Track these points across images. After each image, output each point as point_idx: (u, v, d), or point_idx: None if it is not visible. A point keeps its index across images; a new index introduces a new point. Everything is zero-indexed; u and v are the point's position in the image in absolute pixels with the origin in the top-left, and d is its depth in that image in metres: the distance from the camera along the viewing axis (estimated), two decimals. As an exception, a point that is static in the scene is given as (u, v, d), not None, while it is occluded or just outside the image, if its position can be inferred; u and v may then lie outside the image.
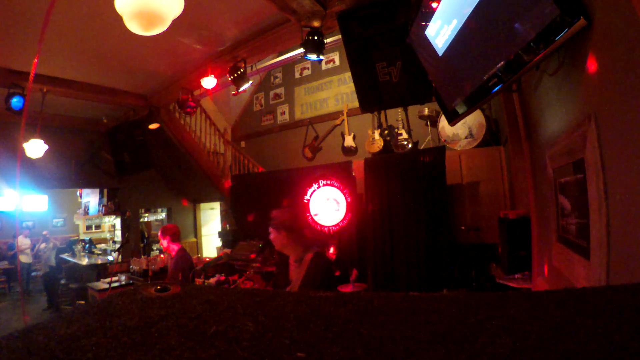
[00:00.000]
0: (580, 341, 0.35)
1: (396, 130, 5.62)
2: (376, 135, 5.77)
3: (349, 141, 6.60)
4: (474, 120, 4.69)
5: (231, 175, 6.77)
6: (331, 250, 4.50)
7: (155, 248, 7.91)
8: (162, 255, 4.94)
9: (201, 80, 4.48)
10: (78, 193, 10.10)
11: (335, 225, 5.21)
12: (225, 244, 6.72)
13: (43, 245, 7.80)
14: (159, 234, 3.64)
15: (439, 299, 0.51)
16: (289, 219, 2.24)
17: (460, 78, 2.28)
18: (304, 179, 5.56)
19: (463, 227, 4.37)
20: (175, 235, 3.66)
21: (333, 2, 3.29)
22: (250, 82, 4.45)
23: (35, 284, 8.42)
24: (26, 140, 5.07)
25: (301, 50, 3.63)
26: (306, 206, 5.44)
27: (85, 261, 7.07)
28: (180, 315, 0.49)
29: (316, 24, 3.44)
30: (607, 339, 0.34)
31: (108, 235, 9.87)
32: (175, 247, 3.61)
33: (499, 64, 1.69)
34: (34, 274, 8.51)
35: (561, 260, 1.86)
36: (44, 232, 8.43)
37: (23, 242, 8.22)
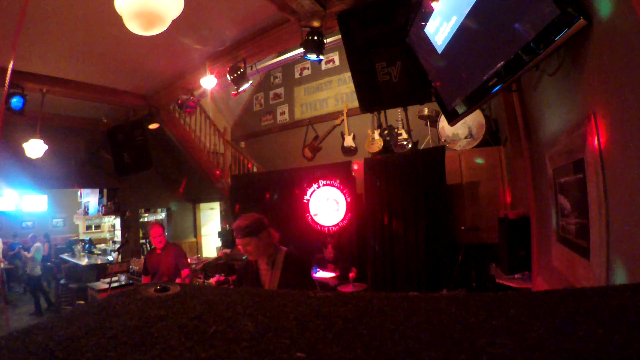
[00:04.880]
0: (580, 341, 0.35)
1: (396, 130, 5.62)
2: (376, 135, 5.77)
3: (348, 141, 6.60)
4: (473, 120, 4.69)
5: (231, 175, 6.77)
6: (328, 249, 4.49)
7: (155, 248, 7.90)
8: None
9: (201, 80, 4.48)
10: (79, 193, 10.10)
11: (335, 225, 5.21)
12: (225, 244, 6.72)
13: (26, 253, 6.96)
14: (157, 229, 3.73)
15: (439, 299, 0.51)
16: (255, 222, 2.04)
17: (459, 78, 2.28)
18: (304, 179, 5.56)
19: (463, 227, 4.37)
20: None
21: (333, 2, 3.29)
22: (250, 82, 4.44)
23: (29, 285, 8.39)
24: (26, 140, 5.07)
25: (301, 50, 3.63)
26: (306, 206, 5.44)
27: (85, 261, 7.07)
28: (180, 315, 0.49)
29: (316, 24, 3.44)
30: (607, 339, 0.34)
31: (108, 235, 9.87)
32: (164, 241, 3.77)
33: (499, 64, 1.69)
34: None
35: (561, 260, 1.86)
36: (30, 235, 7.64)
37: None
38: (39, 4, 3.09)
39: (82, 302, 5.63)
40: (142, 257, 6.24)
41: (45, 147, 5.14)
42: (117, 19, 2.08)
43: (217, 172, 6.91)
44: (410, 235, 4.50)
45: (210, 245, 8.63)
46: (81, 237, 9.72)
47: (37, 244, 6.90)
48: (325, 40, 3.54)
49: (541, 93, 2.04)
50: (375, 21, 3.18)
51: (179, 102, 5.14)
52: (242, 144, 8.52)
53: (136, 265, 5.47)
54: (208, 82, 4.45)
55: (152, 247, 3.85)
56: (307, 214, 5.42)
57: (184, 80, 5.07)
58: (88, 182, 7.57)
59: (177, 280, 3.26)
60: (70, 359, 0.38)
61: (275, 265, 2.04)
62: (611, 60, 1.14)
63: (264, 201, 5.89)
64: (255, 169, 7.33)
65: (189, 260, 3.89)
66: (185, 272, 3.55)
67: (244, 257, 4.97)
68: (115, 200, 7.73)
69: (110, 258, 7.23)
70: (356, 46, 3.36)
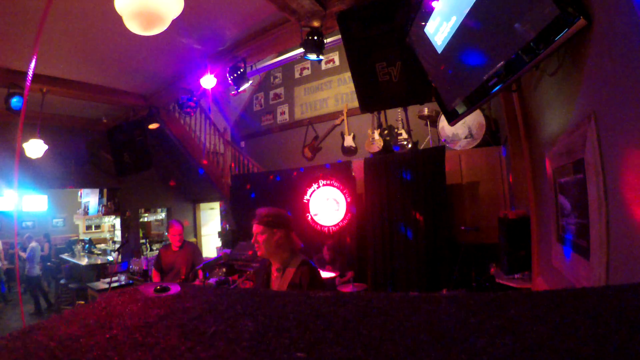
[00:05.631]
0: (580, 341, 0.35)
1: (396, 130, 5.62)
2: (376, 135, 5.77)
3: (348, 141, 6.60)
4: (473, 120, 4.69)
5: (231, 175, 6.78)
6: (324, 250, 4.48)
7: (155, 248, 7.92)
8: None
9: (201, 80, 4.48)
10: (79, 193, 10.10)
11: (335, 225, 5.21)
12: (225, 244, 6.72)
13: (22, 253, 6.81)
14: (178, 226, 3.73)
15: (439, 299, 0.51)
16: (279, 216, 1.94)
17: (459, 78, 2.28)
18: (304, 179, 5.56)
19: (463, 227, 4.37)
20: None
21: (333, 2, 3.29)
22: (250, 82, 4.44)
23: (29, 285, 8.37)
24: (26, 140, 5.07)
25: (301, 50, 3.63)
26: (306, 206, 5.44)
27: (85, 261, 7.07)
28: (180, 315, 0.49)
29: (316, 24, 3.44)
30: (607, 339, 0.34)
31: (108, 235, 9.87)
32: (183, 239, 3.72)
33: (499, 64, 1.69)
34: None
35: (561, 260, 1.86)
36: (25, 235, 7.55)
37: None
38: (39, 4, 3.09)
39: (82, 302, 5.63)
40: (142, 256, 6.24)
41: (45, 147, 5.14)
42: (117, 19, 2.08)
43: (232, 164, 6.90)
44: (410, 235, 4.50)
45: (210, 245, 8.63)
46: (81, 237, 9.72)
47: (33, 244, 6.82)
48: (325, 40, 3.54)
49: (541, 93, 2.04)
50: (375, 21, 3.18)
51: (179, 102, 5.14)
52: (242, 143, 8.53)
53: (136, 265, 5.47)
54: (208, 82, 4.45)
55: (168, 243, 3.82)
56: (307, 214, 5.43)
57: (184, 80, 5.07)
58: (88, 182, 7.57)
59: (197, 282, 3.22)
60: (70, 359, 0.38)
61: (286, 272, 1.92)
62: (611, 61, 1.14)
63: (264, 201, 5.89)
64: (255, 169, 7.34)
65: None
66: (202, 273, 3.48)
67: (242, 257, 4.97)
68: (115, 200, 7.74)
69: (110, 258, 7.23)
70: (356, 46, 3.36)
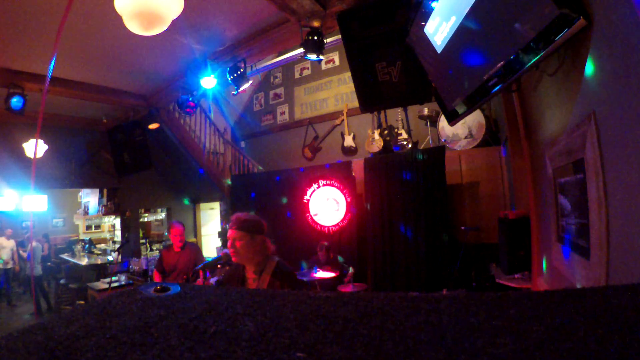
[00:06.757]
0: (580, 341, 0.35)
1: (396, 130, 5.62)
2: (376, 135, 5.77)
3: (348, 141, 6.60)
4: (473, 120, 4.69)
5: (231, 175, 6.78)
6: (319, 253, 4.46)
7: (155, 248, 7.92)
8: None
9: (201, 80, 4.48)
10: (79, 193, 10.10)
11: (335, 225, 5.21)
12: (225, 244, 6.72)
13: (23, 253, 6.89)
14: (179, 227, 3.73)
15: (439, 299, 0.51)
16: (257, 222, 1.94)
17: (459, 78, 2.28)
18: (303, 179, 5.56)
19: (463, 227, 4.37)
20: None
21: (333, 2, 3.29)
22: (250, 82, 4.44)
23: (29, 286, 8.37)
24: (25, 140, 5.08)
25: (301, 50, 3.63)
26: (306, 206, 5.44)
27: (85, 261, 7.07)
28: (180, 315, 0.49)
29: (316, 24, 3.44)
30: (607, 339, 0.34)
31: (108, 235, 9.87)
32: (184, 240, 3.76)
33: (499, 64, 1.69)
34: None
35: (561, 260, 1.86)
36: (26, 235, 7.51)
37: (5, 244, 6.98)
38: (39, 5, 3.09)
39: (82, 302, 5.63)
40: (142, 256, 6.24)
41: (45, 147, 5.14)
42: (117, 19, 2.09)
43: (232, 164, 6.88)
44: (410, 235, 4.50)
45: (210, 245, 8.64)
46: (81, 237, 9.73)
47: (33, 244, 6.74)
48: (325, 40, 3.54)
49: (541, 93, 2.04)
50: (375, 21, 3.18)
51: (179, 102, 5.14)
52: (242, 143, 8.53)
53: (136, 265, 5.47)
54: (208, 82, 4.45)
55: (169, 244, 3.82)
56: (307, 214, 5.43)
57: (184, 80, 5.07)
58: (88, 182, 7.57)
59: (198, 282, 3.21)
60: (70, 359, 0.38)
61: (264, 274, 1.94)
62: (611, 60, 1.14)
63: (264, 201, 5.89)
64: (255, 169, 7.34)
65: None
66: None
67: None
68: (115, 200, 7.74)
69: (110, 258, 7.23)
70: (356, 46, 3.36)
